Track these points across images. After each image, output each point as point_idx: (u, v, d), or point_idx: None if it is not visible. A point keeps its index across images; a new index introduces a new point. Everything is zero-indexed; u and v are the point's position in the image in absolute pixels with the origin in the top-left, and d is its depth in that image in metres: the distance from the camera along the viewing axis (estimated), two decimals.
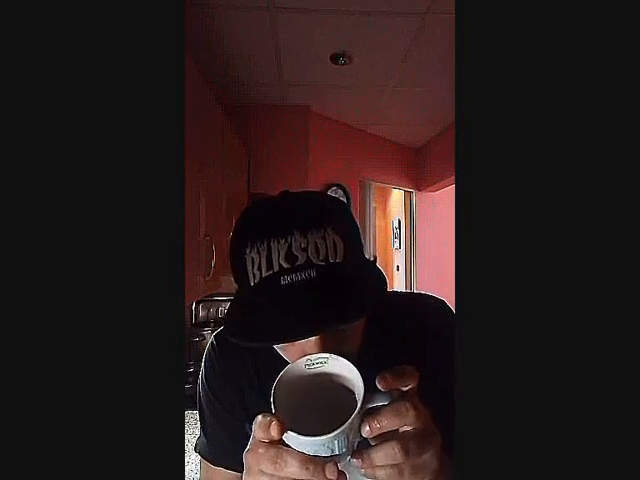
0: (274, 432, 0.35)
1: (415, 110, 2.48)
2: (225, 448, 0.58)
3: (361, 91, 2.19)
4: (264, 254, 0.41)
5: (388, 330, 0.54)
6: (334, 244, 0.42)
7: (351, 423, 0.36)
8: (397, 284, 3.92)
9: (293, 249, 0.41)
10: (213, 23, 1.51)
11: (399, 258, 3.83)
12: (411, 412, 0.37)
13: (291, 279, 0.41)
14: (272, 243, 0.41)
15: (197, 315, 2.26)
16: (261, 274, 0.42)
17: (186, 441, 1.29)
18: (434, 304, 0.62)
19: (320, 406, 0.40)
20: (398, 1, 1.37)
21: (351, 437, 0.37)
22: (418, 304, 0.62)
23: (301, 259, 0.41)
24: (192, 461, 1.18)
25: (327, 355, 0.41)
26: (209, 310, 2.28)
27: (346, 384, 0.41)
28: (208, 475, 0.61)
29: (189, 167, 0.97)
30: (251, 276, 0.42)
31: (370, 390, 0.38)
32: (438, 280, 3.38)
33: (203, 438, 0.61)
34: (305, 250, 0.41)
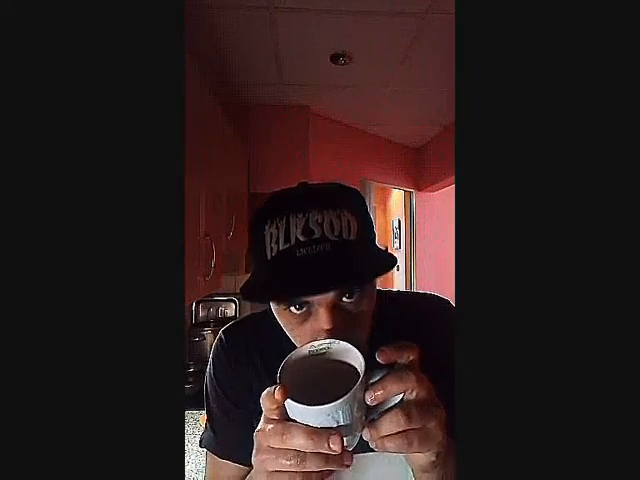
0: (278, 395, 0.37)
1: (415, 110, 2.48)
2: (232, 441, 0.59)
3: (361, 91, 2.19)
4: (282, 228, 0.44)
5: (393, 324, 0.55)
6: (348, 223, 0.45)
7: (354, 393, 0.37)
8: (397, 284, 3.92)
9: (310, 223, 0.44)
10: (213, 23, 1.51)
11: (399, 258, 3.82)
12: (412, 376, 0.38)
13: (306, 251, 0.43)
14: (291, 217, 0.44)
15: (197, 315, 2.26)
16: (278, 247, 0.44)
17: (186, 441, 1.29)
18: (438, 302, 0.64)
19: (325, 387, 0.41)
20: (398, 1, 1.37)
21: (355, 410, 0.37)
22: (422, 302, 0.65)
23: (317, 233, 0.43)
24: (192, 461, 1.18)
25: (330, 340, 0.42)
26: (209, 310, 2.28)
27: (349, 365, 0.42)
28: (215, 469, 0.62)
29: (189, 167, 0.97)
30: (268, 250, 0.45)
31: (372, 368, 0.39)
32: (438, 280, 3.38)
33: (210, 432, 0.62)
34: (321, 225, 0.44)
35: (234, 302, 2.31)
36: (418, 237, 3.50)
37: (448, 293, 0.54)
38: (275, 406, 0.38)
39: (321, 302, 0.44)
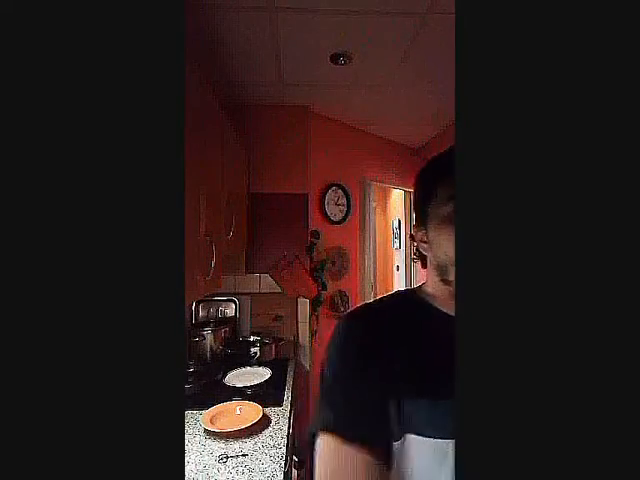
0: None
1: (415, 110, 2.48)
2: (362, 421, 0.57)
3: (361, 91, 2.19)
4: None
5: None
6: None
7: None
8: (397, 284, 3.92)
9: None
10: (213, 23, 1.51)
11: (399, 258, 3.82)
12: None
13: None
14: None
15: (197, 315, 2.26)
16: None
17: (186, 441, 1.29)
18: None
19: None
20: (398, 1, 1.37)
21: None
22: None
23: None
24: (192, 461, 1.18)
25: None
26: (209, 310, 2.28)
27: None
28: (340, 456, 0.55)
29: (189, 167, 0.97)
30: None
31: None
32: None
33: (336, 414, 0.59)
34: None
35: (234, 302, 2.31)
36: None
37: None
38: None
39: None
